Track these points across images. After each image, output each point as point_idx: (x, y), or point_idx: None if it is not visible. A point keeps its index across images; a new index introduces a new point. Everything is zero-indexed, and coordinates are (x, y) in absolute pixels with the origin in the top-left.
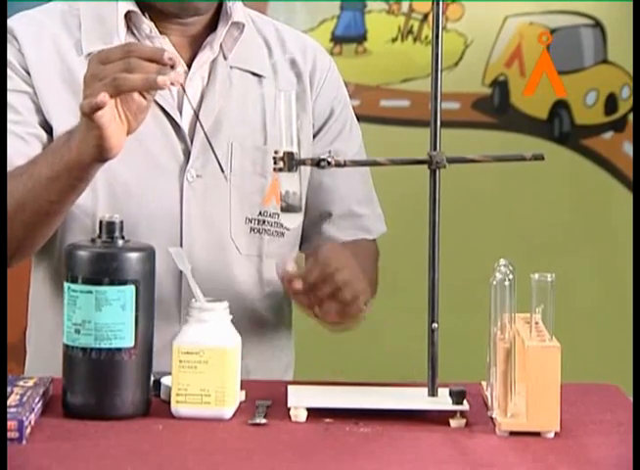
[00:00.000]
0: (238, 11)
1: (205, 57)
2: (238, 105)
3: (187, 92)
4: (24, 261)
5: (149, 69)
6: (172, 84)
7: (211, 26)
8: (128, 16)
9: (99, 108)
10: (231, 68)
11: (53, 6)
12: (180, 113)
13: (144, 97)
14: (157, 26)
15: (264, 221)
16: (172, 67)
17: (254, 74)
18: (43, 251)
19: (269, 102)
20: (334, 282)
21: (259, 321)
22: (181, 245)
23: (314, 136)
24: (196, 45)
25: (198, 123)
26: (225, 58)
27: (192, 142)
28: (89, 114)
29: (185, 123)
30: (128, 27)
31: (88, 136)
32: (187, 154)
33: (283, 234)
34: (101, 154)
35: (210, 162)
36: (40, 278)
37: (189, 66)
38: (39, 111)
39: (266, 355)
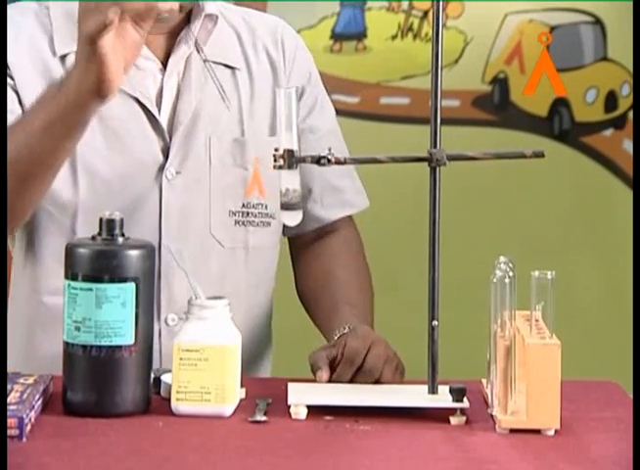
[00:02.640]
0: (210, 3)
1: (181, 52)
2: (214, 98)
3: (165, 89)
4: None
5: None
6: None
7: (184, 21)
8: None
9: (106, 27)
10: (205, 61)
11: (26, 5)
12: (159, 109)
13: (138, 32)
14: None
15: (248, 213)
16: None
17: (228, 66)
18: (24, 257)
19: (244, 92)
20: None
21: (246, 312)
22: (160, 241)
23: None
24: (170, 41)
25: (176, 120)
26: (199, 52)
27: (170, 139)
28: (95, 34)
29: (164, 120)
30: None
31: (88, 68)
32: (166, 150)
33: (269, 223)
34: (100, 89)
35: (190, 157)
36: (19, 284)
37: (164, 62)
38: (22, 103)
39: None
